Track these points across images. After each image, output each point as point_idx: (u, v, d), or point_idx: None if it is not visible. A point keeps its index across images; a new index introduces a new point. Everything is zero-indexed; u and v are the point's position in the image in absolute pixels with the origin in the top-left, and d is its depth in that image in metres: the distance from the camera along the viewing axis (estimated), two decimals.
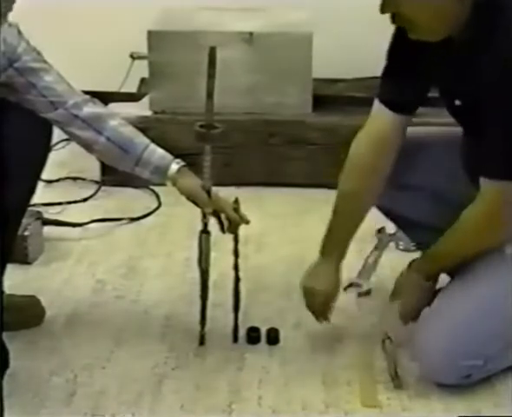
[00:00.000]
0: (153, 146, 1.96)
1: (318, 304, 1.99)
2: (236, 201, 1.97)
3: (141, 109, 2.94)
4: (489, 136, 1.71)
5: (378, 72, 2.04)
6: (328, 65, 3.01)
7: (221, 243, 2.00)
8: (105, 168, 2.81)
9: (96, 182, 2.90)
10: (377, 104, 1.94)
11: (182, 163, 1.95)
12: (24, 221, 2.15)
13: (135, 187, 2.84)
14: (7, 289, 1.85)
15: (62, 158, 3.00)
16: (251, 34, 2.86)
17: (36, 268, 2.37)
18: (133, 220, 2.68)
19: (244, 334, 2.04)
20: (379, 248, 2.42)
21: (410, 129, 1.96)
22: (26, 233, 2.35)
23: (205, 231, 1.95)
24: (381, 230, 2.47)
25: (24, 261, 2.36)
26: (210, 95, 1.85)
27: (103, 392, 1.85)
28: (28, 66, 1.87)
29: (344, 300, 2.20)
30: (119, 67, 3.07)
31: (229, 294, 2.02)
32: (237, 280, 2.00)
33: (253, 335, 2.03)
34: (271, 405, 1.82)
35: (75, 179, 2.97)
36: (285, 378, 1.90)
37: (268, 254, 2.46)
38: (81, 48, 3.27)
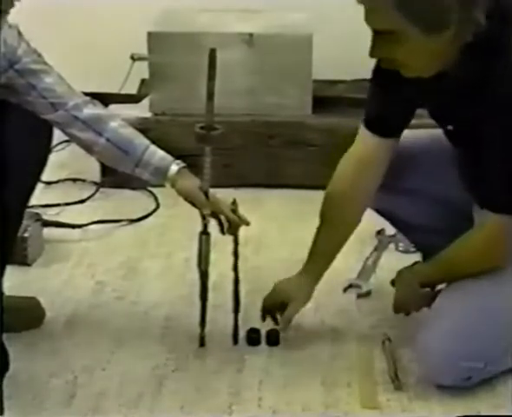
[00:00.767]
0: (153, 147, 1.96)
1: (275, 302, 1.99)
2: (234, 202, 1.97)
3: (141, 110, 2.94)
4: (490, 170, 1.73)
5: None
6: (328, 66, 3.01)
7: (221, 244, 2.00)
8: (105, 170, 2.81)
9: (96, 184, 2.90)
10: (362, 128, 1.95)
11: (182, 165, 1.96)
12: (24, 222, 2.15)
13: (133, 188, 2.84)
14: (7, 291, 1.85)
15: (62, 159, 3.00)
16: (251, 35, 2.86)
17: (35, 270, 2.37)
18: (132, 221, 2.68)
19: (244, 335, 2.04)
20: (379, 249, 2.42)
21: (408, 133, 1.96)
22: (26, 234, 2.35)
23: (205, 232, 1.95)
24: (381, 232, 2.47)
25: (24, 262, 2.36)
26: (210, 96, 1.85)
27: (103, 393, 1.85)
28: (28, 67, 1.88)
29: (344, 301, 2.21)
30: (119, 68, 3.07)
31: (229, 296, 2.02)
32: (237, 281, 2.00)
33: (253, 337, 2.03)
34: (271, 406, 1.82)
35: (74, 180, 2.97)
36: (284, 379, 1.90)
37: (268, 255, 2.46)
38: (81, 49, 3.27)
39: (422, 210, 2.04)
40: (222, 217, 1.96)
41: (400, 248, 2.46)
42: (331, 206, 1.99)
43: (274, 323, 2.02)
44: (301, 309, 2.00)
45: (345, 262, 2.28)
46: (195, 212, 1.95)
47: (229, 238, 1.98)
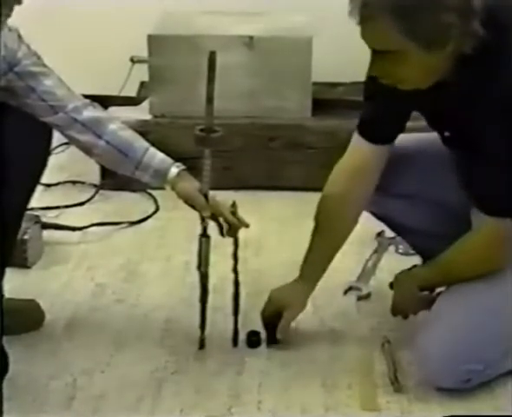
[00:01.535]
0: (152, 150, 1.96)
1: (271, 313, 1.99)
2: (233, 204, 1.97)
3: (141, 112, 2.94)
4: (487, 175, 1.73)
5: None
6: (327, 69, 3.02)
7: (221, 247, 2.00)
8: (105, 172, 2.81)
9: (96, 186, 2.90)
10: (355, 136, 1.96)
11: (182, 167, 1.96)
12: (24, 224, 2.15)
13: (133, 191, 2.84)
14: (6, 293, 1.85)
15: (62, 162, 3.00)
16: (251, 38, 2.87)
17: (35, 272, 2.37)
18: (132, 224, 2.68)
19: (244, 337, 2.03)
20: (379, 251, 2.42)
21: (405, 136, 1.97)
22: (25, 237, 2.35)
23: (204, 235, 1.95)
24: (380, 234, 2.47)
25: (24, 264, 2.35)
26: (210, 99, 1.85)
27: (103, 396, 1.84)
28: (28, 70, 1.88)
29: (344, 303, 2.21)
30: (119, 71, 3.08)
31: (229, 298, 2.02)
32: (237, 283, 2.00)
33: (253, 339, 2.03)
34: (270, 409, 1.82)
35: (74, 183, 2.97)
36: (284, 382, 1.90)
37: (267, 257, 2.46)
38: (81, 51, 3.27)
39: (419, 213, 2.04)
40: (221, 219, 1.96)
41: (400, 251, 2.46)
42: (325, 212, 1.99)
43: (268, 340, 2.01)
44: (297, 316, 2.00)
45: (345, 264, 2.28)
46: (195, 214, 1.95)
47: (229, 240, 1.98)
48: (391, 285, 2.00)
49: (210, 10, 3.08)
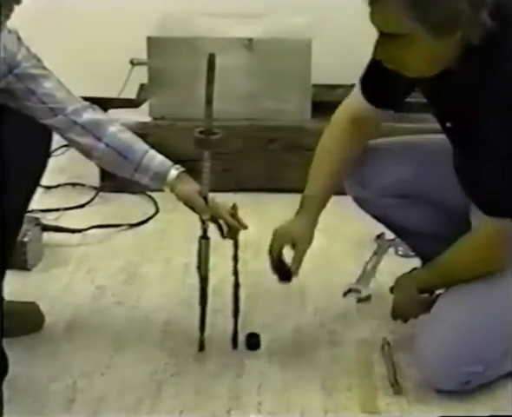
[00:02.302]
0: (152, 152, 1.96)
1: (281, 249, 1.96)
2: (234, 206, 1.97)
3: (141, 115, 2.94)
4: (487, 173, 1.72)
5: None
6: (327, 71, 3.02)
7: (221, 249, 2.00)
8: (104, 174, 2.81)
9: (95, 188, 2.90)
10: (357, 88, 1.98)
11: (181, 169, 1.96)
12: (23, 227, 2.15)
13: (133, 193, 2.85)
14: (6, 296, 1.85)
15: (62, 164, 3.00)
16: (250, 40, 2.87)
17: (35, 275, 2.37)
18: (131, 226, 2.68)
19: (243, 339, 2.03)
20: (378, 253, 2.42)
21: (405, 138, 1.97)
22: (25, 239, 2.35)
23: (204, 237, 1.95)
24: (380, 236, 2.47)
25: (24, 267, 2.35)
26: (209, 101, 1.85)
27: (102, 398, 1.85)
28: (27, 72, 1.88)
29: (344, 305, 2.21)
30: (118, 73, 3.07)
31: (228, 300, 2.02)
32: (237, 286, 2.00)
33: (253, 341, 2.03)
34: (270, 410, 1.82)
35: (74, 185, 2.97)
36: (284, 384, 1.90)
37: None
38: (80, 54, 3.27)
39: (419, 215, 2.04)
40: (221, 221, 1.96)
41: (400, 253, 2.46)
42: (324, 144, 2.01)
43: (281, 277, 1.99)
44: (307, 249, 1.97)
45: (345, 267, 2.29)
46: (195, 217, 1.96)
47: (229, 242, 1.98)
48: (391, 289, 2.00)
49: (209, 12, 3.08)
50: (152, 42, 2.86)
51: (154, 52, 2.86)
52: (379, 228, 2.29)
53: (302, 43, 2.87)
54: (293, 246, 1.96)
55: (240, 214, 1.98)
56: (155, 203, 2.81)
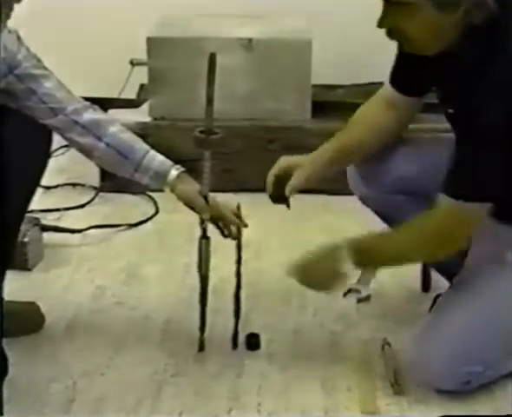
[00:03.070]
0: (152, 152, 1.96)
1: (279, 172, 1.99)
2: (238, 207, 1.98)
3: (141, 115, 2.94)
4: (459, 154, 1.72)
5: (377, 78, 2.05)
6: (327, 71, 3.02)
7: (221, 249, 2.00)
8: (104, 174, 2.81)
9: (95, 189, 2.90)
10: (386, 81, 1.98)
11: (182, 169, 1.96)
12: (23, 227, 2.15)
13: (133, 193, 2.85)
14: (6, 296, 1.85)
15: (62, 164, 3.01)
16: (250, 40, 2.87)
17: (35, 275, 2.37)
18: (131, 226, 2.68)
19: (243, 339, 2.03)
20: None
21: (412, 137, 1.96)
22: (26, 239, 2.35)
23: (204, 237, 1.95)
24: None
25: (24, 267, 2.36)
26: (210, 101, 1.85)
27: (102, 398, 1.85)
28: (28, 72, 1.88)
29: (344, 305, 2.20)
30: (118, 73, 3.07)
31: (229, 300, 2.02)
32: (238, 286, 2.00)
33: (253, 341, 2.03)
34: (270, 411, 1.82)
35: (74, 185, 2.97)
36: (284, 384, 1.90)
37: (267, 259, 2.46)
38: (80, 54, 3.27)
39: (420, 212, 2.04)
40: (222, 221, 1.96)
41: None
42: (354, 118, 2.03)
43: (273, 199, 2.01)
44: (305, 179, 1.98)
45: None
46: (195, 217, 1.96)
47: (229, 242, 1.98)
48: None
49: (209, 12, 3.08)
50: (152, 42, 2.86)
51: (154, 52, 2.86)
52: (379, 227, 2.29)
53: (302, 42, 2.87)
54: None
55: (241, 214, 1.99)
56: (155, 203, 2.81)
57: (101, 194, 2.87)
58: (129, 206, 2.82)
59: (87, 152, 1.96)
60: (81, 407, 1.82)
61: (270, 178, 2.01)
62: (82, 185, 2.96)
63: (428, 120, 2.36)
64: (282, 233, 2.63)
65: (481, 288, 1.83)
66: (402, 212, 2.04)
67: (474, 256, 1.90)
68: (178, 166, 1.96)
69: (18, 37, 1.89)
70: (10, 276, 1.83)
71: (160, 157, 1.96)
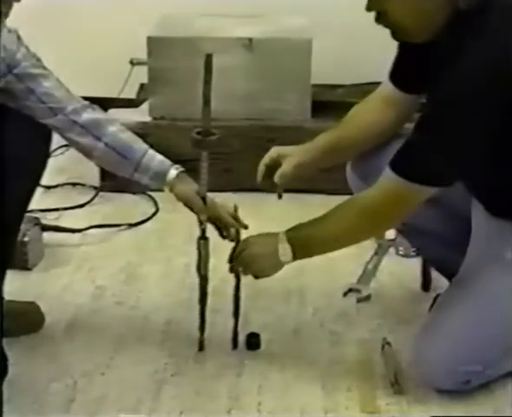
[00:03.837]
0: (152, 152, 1.96)
1: (271, 160, 2.03)
2: (235, 208, 1.97)
3: (141, 114, 2.94)
4: (412, 134, 1.71)
5: (377, 78, 2.05)
6: (327, 71, 3.02)
7: (220, 249, 2.00)
8: (104, 174, 2.82)
9: (95, 188, 2.90)
10: (386, 78, 1.98)
11: (181, 169, 1.96)
12: (23, 226, 2.15)
13: (133, 192, 2.85)
14: (7, 295, 1.85)
15: (61, 164, 3.01)
16: (250, 40, 2.87)
17: (35, 274, 2.37)
18: (131, 226, 2.68)
19: (243, 339, 2.03)
20: (379, 253, 2.42)
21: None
22: (26, 239, 2.35)
23: (203, 237, 1.94)
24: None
25: (24, 267, 2.36)
26: (207, 101, 1.85)
27: (102, 398, 1.84)
28: (27, 72, 1.88)
29: (344, 305, 2.21)
30: (118, 73, 3.07)
31: (228, 300, 2.02)
32: (238, 286, 2.00)
33: (253, 341, 2.03)
34: (270, 411, 1.82)
35: (74, 185, 2.97)
36: (284, 384, 1.90)
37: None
38: (80, 54, 3.28)
39: (421, 212, 2.03)
40: (220, 222, 1.96)
41: (400, 252, 2.46)
42: (349, 115, 2.03)
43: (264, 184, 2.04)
44: (295, 167, 1.99)
45: (345, 266, 2.29)
46: (195, 217, 1.95)
47: (229, 242, 1.98)
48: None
49: (209, 12, 3.08)
50: (152, 42, 2.86)
51: (154, 52, 2.86)
52: None
53: (302, 42, 2.87)
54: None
55: (240, 214, 1.99)
56: (155, 203, 2.81)
57: (101, 193, 2.87)
58: (129, 206, 2.82)
59: (86, 152, 1.96)
60: (81, 407, 1.82)
61: (261, 167, 2.04)
62: (82, 185, 2.96)
63: None
64: None
65: (480, 287, 1.83)
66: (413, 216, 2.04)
67: (473, 255, 1.89)
68: (177, 166, 1.96)
69: (18, 37, 1.88)
70: (10, 276, 1.83)
71: (159, 157, 1.96)
